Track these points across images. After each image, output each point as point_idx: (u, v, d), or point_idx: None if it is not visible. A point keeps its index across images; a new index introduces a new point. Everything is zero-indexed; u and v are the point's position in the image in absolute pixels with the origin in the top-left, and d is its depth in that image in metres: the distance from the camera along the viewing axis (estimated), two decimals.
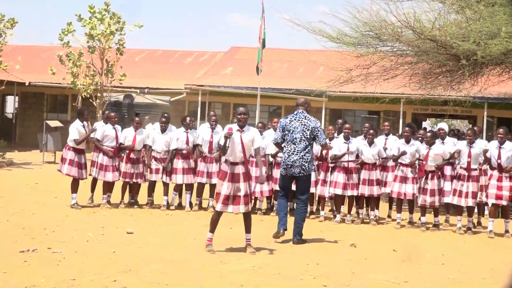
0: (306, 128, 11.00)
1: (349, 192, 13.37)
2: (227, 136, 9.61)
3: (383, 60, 16.16)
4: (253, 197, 13.92)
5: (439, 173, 13.03)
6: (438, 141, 13.38)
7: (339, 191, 13.34)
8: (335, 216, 13.60)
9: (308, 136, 11.00)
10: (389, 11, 14.61)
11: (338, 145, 13.35)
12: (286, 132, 11.09)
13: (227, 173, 9.69)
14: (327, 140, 13.02)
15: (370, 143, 13.47)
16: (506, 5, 12.94)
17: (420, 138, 13.68)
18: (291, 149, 10.99)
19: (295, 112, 11.21)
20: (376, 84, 16.99)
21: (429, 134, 13.27)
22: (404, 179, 13.23)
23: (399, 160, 13.32)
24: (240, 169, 9.73)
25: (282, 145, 11.26)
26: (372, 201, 13.59)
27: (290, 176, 11.10)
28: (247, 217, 9.83)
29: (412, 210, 13.46)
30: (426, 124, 44.68)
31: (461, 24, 14.13)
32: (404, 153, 13.24)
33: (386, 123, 14.68)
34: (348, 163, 13.34)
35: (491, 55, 13.27)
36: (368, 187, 13.38)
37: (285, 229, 11.00)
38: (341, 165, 13.37)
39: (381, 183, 13.70)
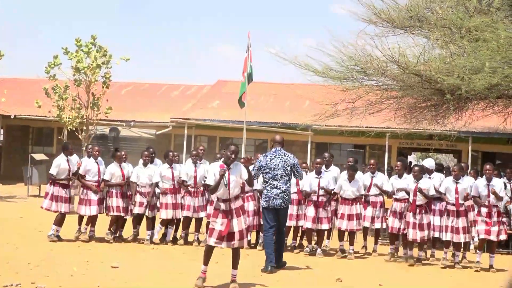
0: (286, 165, 11.78)
1: (320, 226, 13.40)
2: (222, 174, 9.60)
3: (369, 94, 16.23)
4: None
5: (426, 207, 13.05)
6: (425, 175, 13.45)
7: (309, 225, 13.41)
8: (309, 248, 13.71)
9: (289, 172, 11.80)
10: (374, 46, 14.71)
11: (309, 180, 13.49)
12: (267, 170, 11.79)
13: (219, 210, 9.65)
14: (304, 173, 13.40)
15: (350, 179, 13.54)
16: (489, 41, 13.07)
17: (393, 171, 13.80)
18: (273, 185, 11.69)
19: (274, 150, 11.93)
20: (361, 118, 17.03)
21: (417, 168, 13.30)
22: (398, 214, 13.27)
23: (394, 196, 13.43)
24: (229, 206, 9.67)
25: (264, 182, 11.98)
26: (352, 236, 13.62)
27: (272, 208, 11.71)
28: (236, 252, 9.77)
29: (405, 245, 13.41)
30: (412, 158, 44.82)
31: (445, 59, 14.23)
32: (392, 193, 13.56)
33: (372, 161, 14.61)
34: (318, 197, 13.44)
35: (475, 90, 13.36)
36: (347, 222, 13.41)
37: (274, 266, 11.36)
38: (312, 199, 13.50)
39: (361, 217, 13.77)
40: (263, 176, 11.92)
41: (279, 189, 11.67)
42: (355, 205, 13.51)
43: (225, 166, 9.70)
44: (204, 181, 13.75)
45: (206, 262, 9.67)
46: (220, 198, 9.72)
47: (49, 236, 13.43)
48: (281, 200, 11.67)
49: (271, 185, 11.73)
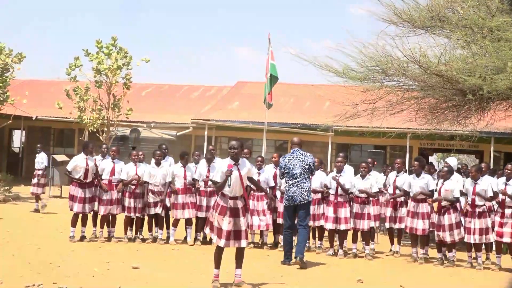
0: (304, 164, 12.39)
1: (341, 226, 13.31)
2: (228, 175, 9.54)
3: (389, 94, 16.15)
4: (257, 231, 14.01)
5: (451, 208, 12.90)
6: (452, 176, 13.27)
7: (329, 225, 13.36)
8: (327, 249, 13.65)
9: (307, 170, 12.41)
10: (395, 46, 14.63)
11: (329, 178, 13.52)
12: (287, 170, 12.43)
13: (227, 208, 9.59)
14: (334, 172, 13.57)
15: (363, 176, 13.47)
16: None
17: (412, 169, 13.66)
18: (292, 182, 12.32)
19: (292, 151, 12.60)
20: (382, 119, 16.95)
21: (446, 169, 13.17)
22: (416, 214, 13.16)
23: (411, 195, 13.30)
24: (239, 204, 9.63)
25: (284, 180, 12.75)
26: (366, 235, 13.54)
27: (292, 205, 12.31)
28: (240, 251, 9.68)
29: (423, 245, 13.32)
30: (433, 158, 44.57)
31: (467, 59, 14.14)
32: (403, 194, 13.44)
33: (398, 160, 14.47)
34: (337, 197, 13.34)
35: (497, 90, 13.26)
36: (359, 221, 13.34)
37: (290, 260, 11.99)
38: (331, 199, 13.41)
39: (372, 217, 13.63)
40: (285, 176, 12.47)
41: (297, 186, 12.22)
42: (367, 204, 13.43)
43: (233, 164, 9.62)
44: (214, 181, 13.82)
45: (217, 266, 9.57)
46: (227, 195, 9.64)
47: (69, 238, 13.44)
48: (300, 197, 12.21)
49: (290, 184, 12.30)
